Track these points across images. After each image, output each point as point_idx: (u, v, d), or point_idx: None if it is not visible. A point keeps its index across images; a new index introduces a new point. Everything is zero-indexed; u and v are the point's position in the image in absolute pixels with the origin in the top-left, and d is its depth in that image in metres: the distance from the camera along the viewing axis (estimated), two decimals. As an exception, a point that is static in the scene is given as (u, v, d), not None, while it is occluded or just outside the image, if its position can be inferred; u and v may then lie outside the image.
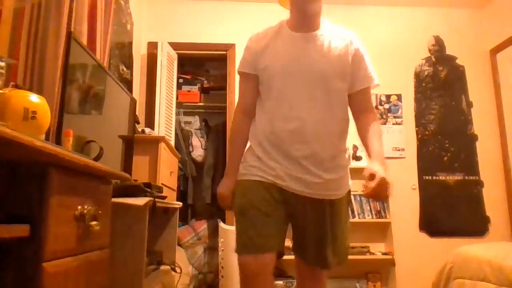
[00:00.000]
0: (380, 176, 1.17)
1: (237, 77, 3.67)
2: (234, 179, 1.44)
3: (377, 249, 3.38)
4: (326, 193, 1.37)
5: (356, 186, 2.57)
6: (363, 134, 1.42)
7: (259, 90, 1.46)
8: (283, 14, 1.49)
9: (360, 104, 1.45)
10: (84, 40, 1.84)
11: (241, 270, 1.33)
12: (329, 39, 1.40)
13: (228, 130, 3.59)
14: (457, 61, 3.83)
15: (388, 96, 3.71)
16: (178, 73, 3.82)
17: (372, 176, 1.18)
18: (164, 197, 2.10)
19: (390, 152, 3.57)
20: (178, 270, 2.25)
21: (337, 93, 1.39)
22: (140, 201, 1.52)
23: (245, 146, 1.50)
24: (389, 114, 3.69)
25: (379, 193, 1.19)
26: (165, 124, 3.27)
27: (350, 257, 1.58)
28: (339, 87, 1.39)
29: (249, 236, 1.30)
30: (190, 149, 3.93)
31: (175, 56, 3.68)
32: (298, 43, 1.40)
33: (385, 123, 3.65)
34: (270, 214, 1.32)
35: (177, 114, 3.88)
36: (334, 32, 1.43)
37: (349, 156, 1.51)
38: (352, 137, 1.49)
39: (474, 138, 3.68)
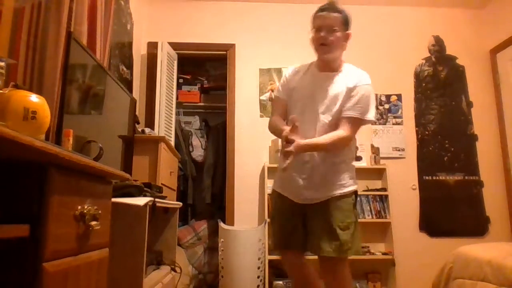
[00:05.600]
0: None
1: (237, 77, 3.71)
2: None
3: (377, 249, 3.38)
4: None
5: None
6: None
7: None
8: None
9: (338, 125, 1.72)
10: (84, 40, 1.84)
11: None
12: (342, 80, 1.74)
13: (228, 130, 3.60)
14: (457, 61, 3.83)
15: (388, 96, 3.71)
16: (178, 73, 3.82)
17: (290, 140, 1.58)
18: (164, 197, 2.10)
19: (390, 152, 3.58)
20: (178, 270, 2.25)
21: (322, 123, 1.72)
22: (140, 201, 1.52)
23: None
24: (389, 114, 3.69)
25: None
26: (165, 124, 3.27)
27: (350, 257, 1.59)
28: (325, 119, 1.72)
29: None
30: (190, 149, 3.93)
31: (175, 56, 3.68)
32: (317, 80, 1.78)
33: (385, 123, 3.66)
34: None
35: (177, 114, 3.88)
36: (348, 75, 1.75)
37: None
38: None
39: (474, 138, 3.68)
